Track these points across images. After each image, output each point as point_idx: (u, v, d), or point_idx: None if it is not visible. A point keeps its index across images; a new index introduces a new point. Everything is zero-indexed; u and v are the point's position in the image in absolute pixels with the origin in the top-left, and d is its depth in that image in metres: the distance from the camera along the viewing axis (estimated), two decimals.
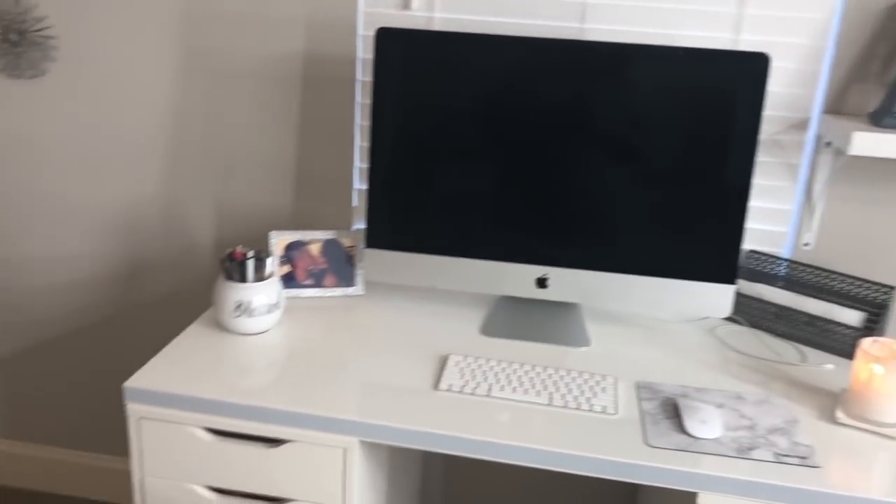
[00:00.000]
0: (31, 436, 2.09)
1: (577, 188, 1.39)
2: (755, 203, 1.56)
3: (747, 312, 1.55)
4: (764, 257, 1.55)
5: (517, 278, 1.44)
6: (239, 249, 1.39)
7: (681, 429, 1.16)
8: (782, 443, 1.14)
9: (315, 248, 1.56)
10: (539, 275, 1.44)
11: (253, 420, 1.18)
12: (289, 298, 1.55)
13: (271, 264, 1.41)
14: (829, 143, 1.49)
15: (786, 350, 1.46)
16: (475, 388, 1.24)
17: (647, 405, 1.22)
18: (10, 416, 2.08)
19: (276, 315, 1.40)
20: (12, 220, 1.89)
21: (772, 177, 1.54)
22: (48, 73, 1.75)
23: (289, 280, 1.55)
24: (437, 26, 1.57)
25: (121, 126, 1.77)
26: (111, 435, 2.05)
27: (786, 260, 1.53)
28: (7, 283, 1.95)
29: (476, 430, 1.14)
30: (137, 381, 1.21)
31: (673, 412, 1.20)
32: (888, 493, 1.05)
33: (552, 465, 1.11)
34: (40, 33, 1.72)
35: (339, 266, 1.58)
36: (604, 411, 1.19)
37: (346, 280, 1.58)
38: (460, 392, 1.23)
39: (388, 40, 1.39)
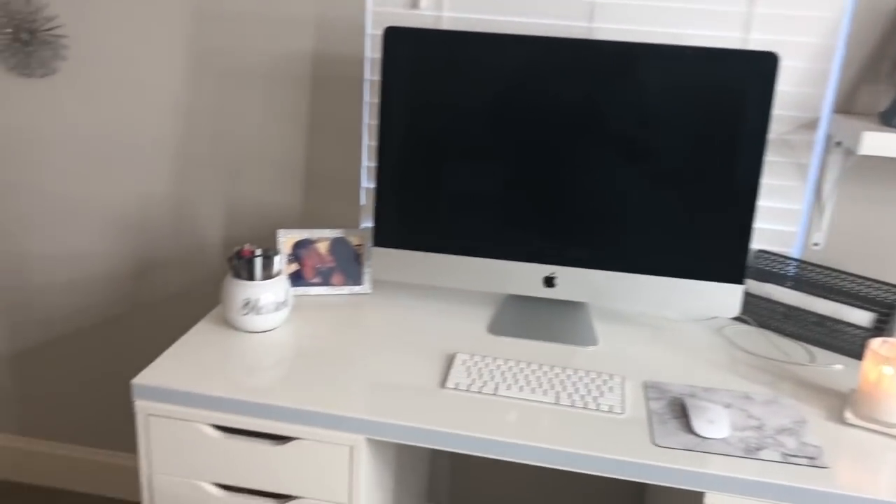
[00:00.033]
0: (42, 432, 2.10)
1: (585, 187, 1.39)
2: (765, 203, 1.55)
3: (756, 312, 1.54)
4: (773, 257, 1.54)
5: (525, 277, 1.44)
6: (247, 247, 1.40)
7: (688, 428, 1.15)
8: (790, 443, 1.14)
9: (323, 247, 1.57)
10: (547, 274, 1.44)
11: (260, 417, 1.18)
12: (296, 296, 1.55)
13: (279, 262, 1.42)
14: (839, 143, 1.49)
15: (794, 350, 1.46)
16: (482, 386, 1.24)
17: (655, 405, 1.22)
18: (21, 412, 2.10)
19: (284, 313, 1.41)
20: (24, 218, 1.90)
21: (781, 176, 1.54)
22: (58, 71, 1.76)
23: (296, 278, 1.56)
24: (446, 25, 1.57)
25: (130, 125, 1.78)
26: (122, 431, 2.06)
27: (795, 260, 1.52)
28: (18, 280, 1.96)
29: (483, 428, 1.14)
30: (145, 378, 1.22)
31: (680, 412, 1.20)
32: None
33: (559, 464, 1.11)
34: (51, 32, 1.73)
35: (347, 264, 1.58)
36: (611, 410, 1.19)
37: (354, 278, 1.58)
38: (467, 390, 1.23)
39: (397, 39, 1.39)
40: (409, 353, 1.35)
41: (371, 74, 1.64)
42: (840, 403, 1.27)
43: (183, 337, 1.36)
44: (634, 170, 1.37)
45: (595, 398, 1.22)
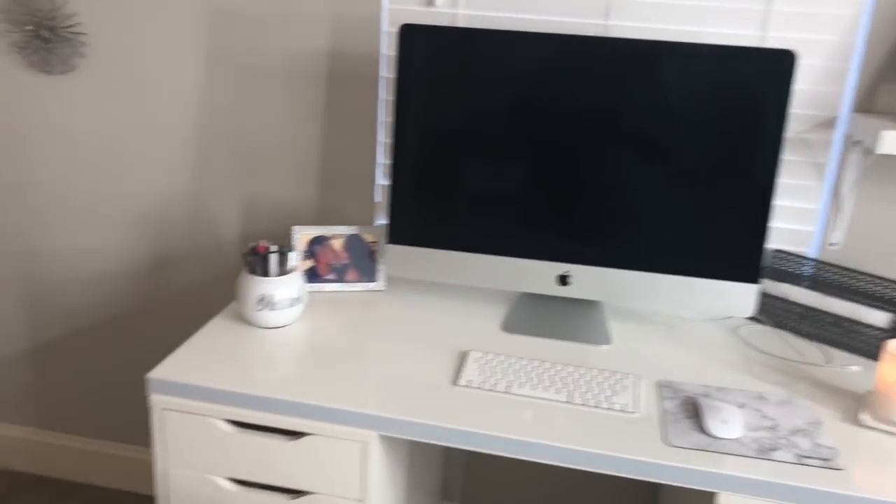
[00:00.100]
0: (59, 425, 2.13)
1: (600, 185, 1.38)
2: (782, 202, 1.54)
3: (772, 312, 1.53)
4: (790, 257, 1.53)
5: (539, 275, 1.44)
6: (262, 244, 1.41)
7: (701, 428, 1.15)
8: (804, 444, 1.13)
9: (337, 243, 1.57)
10: (561, 272, 1.43)
11: (274, 412, 1.19)
12: (311, 293, 1.56)
13: (294, 259, 1.42)
14: (857, 142, 1.47)
15: (810, 351, 1.45)
16: (495, 384, 1.24)
17: (668, 404, 1.22)
18: (38, 405, 2.12)
19: (298, 309, 1.41)
20: (44, 213, 1.92)
21: (799, 176, 1.53)
22: (78, 68, 1.78)
23: (311, 274, 1.57)
24: (461, 23, 1.57)
25: (149, 121, 1.79)
26: (138, 425, 2.08)
27: (812, 260, 1.51)
28: (36, 274, 1.98)
29: (495, 426, 1.14)
30: (161, 372, 1.23)
31: (694, 411, 1.20)
32: None
33: (572, 463, 1.11)
34: (71, 30, 1.74)
35: (361, 261, 1.58)
36: (624, 410, 1.19)
37: (368, 275, 1.59)
38: (480, 388, 1.23)
39: (412, 37, 1.39)
40: (422, 350, 1.35)
41: (386, 72, 1.64)
42: (856, 405, 1.26)
43: (198, 332, 1.37)
44: (650, 168, 1.36)
45: (608, 397, 1.22)
